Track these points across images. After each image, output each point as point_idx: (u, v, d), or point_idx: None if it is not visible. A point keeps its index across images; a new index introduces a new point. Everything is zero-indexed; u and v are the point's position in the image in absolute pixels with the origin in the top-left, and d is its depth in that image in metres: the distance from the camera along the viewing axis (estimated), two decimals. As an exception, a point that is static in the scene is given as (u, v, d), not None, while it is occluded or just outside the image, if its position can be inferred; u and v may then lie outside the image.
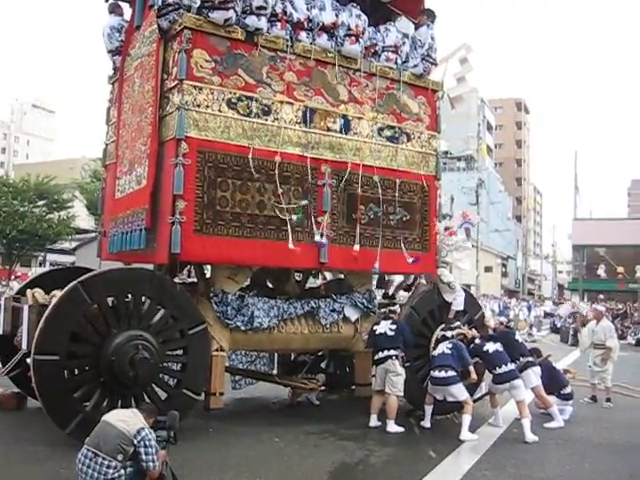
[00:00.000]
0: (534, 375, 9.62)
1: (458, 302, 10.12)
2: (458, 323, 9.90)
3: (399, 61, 9.82)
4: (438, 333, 9.81)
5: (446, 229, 10.53)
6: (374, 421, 9.02)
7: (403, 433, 8.79)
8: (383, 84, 9.63)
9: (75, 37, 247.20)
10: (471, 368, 9.03)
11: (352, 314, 9.62)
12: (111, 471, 5.11)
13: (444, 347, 9.11)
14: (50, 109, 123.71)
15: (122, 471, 5.16)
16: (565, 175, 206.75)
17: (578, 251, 56.85)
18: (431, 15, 10.31)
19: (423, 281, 10.73)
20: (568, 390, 10.38)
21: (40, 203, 47.39)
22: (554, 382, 10.22)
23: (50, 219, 46.87)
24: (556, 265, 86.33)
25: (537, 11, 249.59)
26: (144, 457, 5.18)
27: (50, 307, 7.44)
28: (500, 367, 9.00)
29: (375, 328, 9.21)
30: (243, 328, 8.67)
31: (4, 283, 34.27)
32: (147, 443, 5.21)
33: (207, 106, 8.14)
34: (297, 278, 10.86)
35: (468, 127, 75.14)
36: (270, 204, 8.47)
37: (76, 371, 7.94)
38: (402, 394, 9.06)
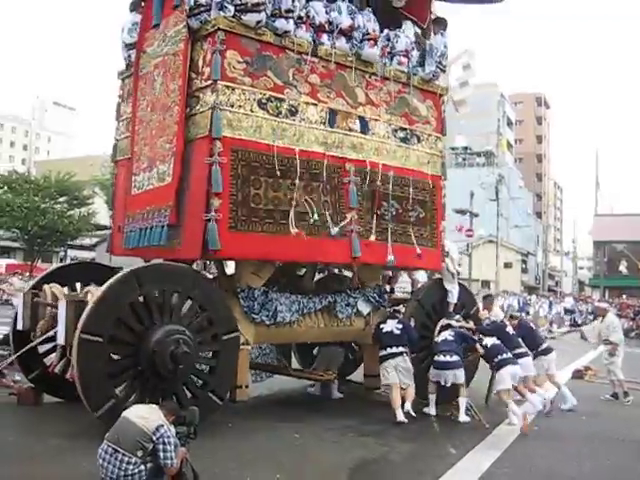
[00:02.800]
0: (525, 366, 10.00)
1: (453, 295, 10.70)
2: (458, 316, 10.45)
3: (410, 65, 10.13)
4: (443, 321, 10.25)
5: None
6: (407, 406, 9.18)
7: (423, 429, 8.82)
8: (395, 88, 9.97)
9: (93, 35, 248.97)
10: (477, 345, 9.86)
11: (364, 308, 10.01)
12: (131, 467, 5.14)
13: (447, 334, 9.71)
14: (71, 106, 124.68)
15: (142, 467, 5.18)
16: (586, 170, 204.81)
17: (599, 247, 56.44)
18: (443, 23, 10.73)
19: (416, 277, 11.85)
20: (544, 346, 10.92)
21: (61, 199, 47.87)
22: (533, 340, 10.80)
23: (71, 215, 47.30)
24: (577, 261, 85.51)
25: (556, 4, 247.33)
26: (162, 454, 5.19)
27: (103, 289, 7.54)
28: (500, 355, 9.61)
29: (382, 326, 9.63)
30: (268, 323, 8.91)
31: (24, 279, 34.53)
32: (165, 440, 5.22)
33: (240, 106, 8.31)
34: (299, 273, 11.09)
35: (488, 123, 74.55)
36: (301, 201, 8.70)
37: (116, 357, 7.94)
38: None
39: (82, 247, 51.37)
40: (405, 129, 10.04)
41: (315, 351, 11.60)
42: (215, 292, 8.38)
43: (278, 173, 8.54)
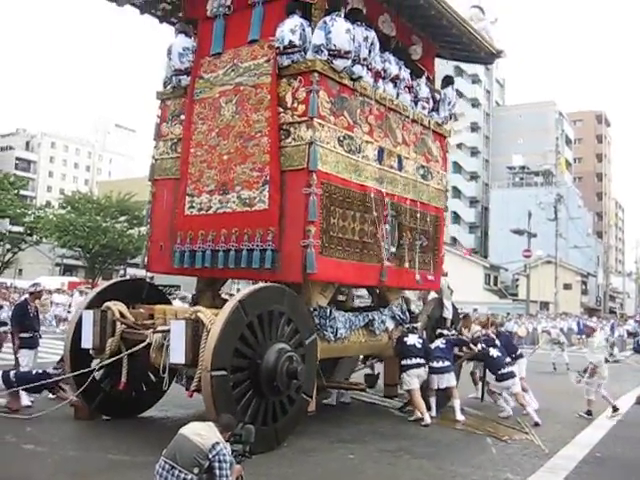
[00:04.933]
0: (523, 364, 12.30)
1: (449, 310, 12.36)
2: (454, 332, 12.14)
3: (429, 110, 11.64)
4: (437, 331, 11.80)
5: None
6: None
7: (479, 452, 8.63)
8: (419, 130, 11.33)
9: (147, 56, 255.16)
10: (472, 345, 11.53)
11: (390, 324, 11.02)
12: (188, 484, 5.18)
13: (439, 342, 11.14)
14: (131, 128, 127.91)
15: (199, 484, 5.22)
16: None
17: (663, 268, 54.63)
18: (452, 79, 12.73)
19: (406, 295, 12.61)
20: (518, 352, 12.57)
21: (121, 219, 49.09)
22: (509, 347, 12.17)
23: (130, 234, 48.41)
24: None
25: (618, 21, 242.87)
26: (218, 472, 5.23)
27: (258, 287, 8.42)
28: (503, 368, 11.16)
29: (405, 340, 10.68)
30: (333, 338, 9.46)
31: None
32: (221, 458, 5.25)
33: (327, 142, 9.10)
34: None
35: (546, 141, 73.58)
36: (357, 230, 9.65)
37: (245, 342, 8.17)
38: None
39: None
40: (424, 167, 11.44)
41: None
42: (315, 356, 8.87)
43: (346, 205, 9.43)
